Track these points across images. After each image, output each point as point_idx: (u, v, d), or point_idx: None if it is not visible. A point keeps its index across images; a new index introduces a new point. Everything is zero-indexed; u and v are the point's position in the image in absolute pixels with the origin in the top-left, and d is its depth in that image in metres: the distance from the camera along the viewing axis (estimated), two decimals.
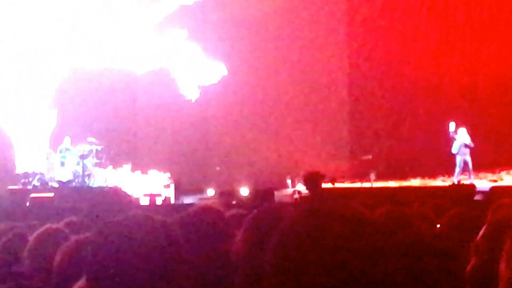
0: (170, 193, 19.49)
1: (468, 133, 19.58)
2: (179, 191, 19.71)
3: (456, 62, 22.85)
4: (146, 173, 20.49)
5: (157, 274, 1.94)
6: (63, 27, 21.79)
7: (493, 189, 12.58)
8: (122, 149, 21.76)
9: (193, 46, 22.33)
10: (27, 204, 16.43)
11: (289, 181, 20.28)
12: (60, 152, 20.13)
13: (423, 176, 21.14)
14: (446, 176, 20.74)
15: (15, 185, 19.69)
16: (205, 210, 3.14)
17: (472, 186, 13.65)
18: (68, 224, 4.46)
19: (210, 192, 20.27)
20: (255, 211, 2.83)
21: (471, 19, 23.08)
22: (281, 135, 23.36)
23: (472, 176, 19.46)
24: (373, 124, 23.49)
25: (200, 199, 17.95)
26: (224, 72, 22.43)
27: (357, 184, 20.53)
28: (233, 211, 4.57)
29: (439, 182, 20.60)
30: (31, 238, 3.93)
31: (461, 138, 19.52)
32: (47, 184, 19.71)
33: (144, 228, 1.99)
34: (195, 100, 22.62)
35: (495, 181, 20.17)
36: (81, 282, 2.74)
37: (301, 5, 23.74)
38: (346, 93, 23.75)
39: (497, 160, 21.18)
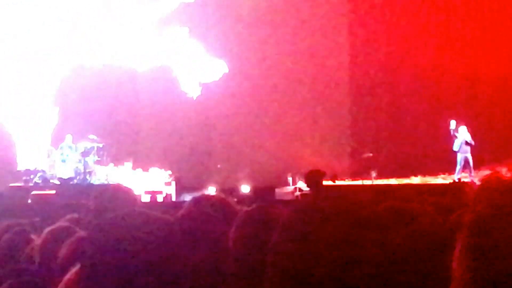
0: (171, 190, 19.51)
1: (469, 131, 19.59)
2: (180, 189, 19.73)
3: (457, 60, 22.83)
4: (147, 171, 20.51)
5: (151, 269, 1.94)
6: (64, 25, 21.80)
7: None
8: (123, 146, 21.76)
9: (194, 44, 22.34)
10: (29, 201, 16.45)
11: (290, 179, 20.29)
12: (62, 149, 20.15)
13: (424, 174, 21.14)
14: (447, 174, 20.74)
15: (17, 182, 19.72)
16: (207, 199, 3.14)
17: (472, 184, 13.67)
18: (69, 221, 4.48)
19: (211, 189, 20.27)
20: (244, 209, 2.83)
21: (472, 16, 23.06)
22: (282, 132, 23.35)
23: (473, 174, 19.46)
24: (374, 122, 23.49)
25: None
26: (225, 69, 22.44)
27: (358, 182, 20.53)
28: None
29: (440, 180, 20.60)
30: (42, 235, 3.95)
31: (462, 136, 19.53)
32: (49, 181, 19.73)
33: (140, 224, 2.00)
34: (196, 98, 22.63)
35: None
36: (75, 268, 2.77)
37: (302, 2, 23.73)
38: (347, 91, 23.73)
39: (498, 158, 21.17)
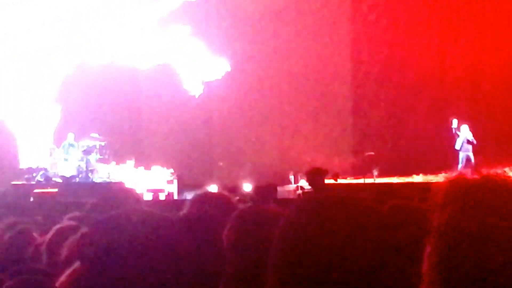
0: (173, 188, 19.52)
1: (470, 130, 19.58)
2: (182, 187, 19.75)
3: (459, 59, 22.83)
4: (149, 169, 20.53)
5: (151, 268, 1.95)
6: (67, 23, 21.81)
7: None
8: (126, 144, 21.79)
9: (196, 42, 22.34)
10: (31, 199, 16.48)
11: (292, 177, 20.28)
12: (64, 147, 20.17)
13: (425, 173, 21.13)
14: (449, 172, 20.68)
15: (19, 180, 19.75)
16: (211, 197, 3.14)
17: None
18: (72, 219, 4.48)
19: (213, 187, 20.27)
20: (238, 210, 2.82)
21: (474, 15, 23.05)
22: (284, 131, 23.36)
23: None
24: (376, 120, 23.49)
25: None
26: (227, 67, 22.43)
27: (360, 180, 20.53)
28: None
29: (442, 178, 20.54)
30: (49, 234, 3.96)
31: (464, 135, 19.53)
32: (51, 179, 19.75)
33: (140, 222, 2.01)
34: (199, 96, 22.63)
35: None
36: (76, 265, 2.78)
37: (305, 0, 23.73)
38: (349, 89, 23.73)
39: (500, 157, 21.15)
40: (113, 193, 3.96)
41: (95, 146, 20.11)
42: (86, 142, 20.11)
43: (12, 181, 19.50)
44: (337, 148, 22.85)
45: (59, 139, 20.96)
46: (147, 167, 20.59)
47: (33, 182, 19.37)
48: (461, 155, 19.60)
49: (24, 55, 21.53)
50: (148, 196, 17.89)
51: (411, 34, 23.00)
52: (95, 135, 20.26)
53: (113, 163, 20.36)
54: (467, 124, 19.62)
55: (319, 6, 23.65)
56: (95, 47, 21.79)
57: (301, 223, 1.80)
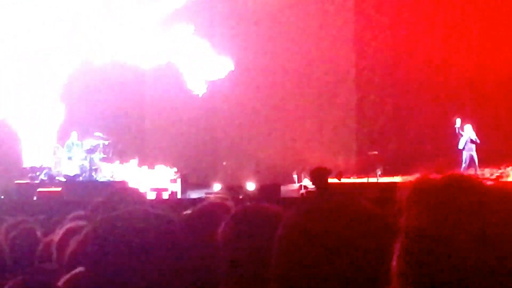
0: (177, 187, 19.53)
1: (474, 129, 19.57)
2: (185, 186, 19.76)
3: (462, 58, 22.80)
4: (153, 168, 20.54)
5: (151, 265, 1.96)
6: (71, 21, 21.84)
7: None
8: (129, 143, 21.80)
9: (200, 41, 22.35)
10: (34, 198, 16.50)
11: (295, 176, 20.29)
12: (67, 146, 20.20)
13: (429, 172, 21.07)
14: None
15: (23, 179, 19.77)
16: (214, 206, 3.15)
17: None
18: (76, 219, 4.49)
19: (217, 187, 20.30)
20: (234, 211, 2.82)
21: (478, 14, 23.02)
22: (287, 130, 23.35)
23: (478, 172, 19.44)
24: (379, 120, 23.48)
25: (207, 193, 18.00)
26: (231, 67, 22.43)
27: (364, 180, 20.52)
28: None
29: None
30: (59, 233, 3.97)
31: (467, 134, 19.51)
32: (54, 178, 19.78)
33: (141, 221, 2.01)
34: (202, 95, 22.63)
35: (501, 177, 20.14)
36: (79, 269, 2.79)
37: (309, 0, 23.72)
38: (352, 89, 23.72)
39: (503, 156, 21.14)
40: (117, 192, 3.96)
41: (98, 145, 20.12)
42: (90, 141, 20.12)
43: (16, 180, 19.53)
44: (341, 148, 22.85)
45: (62, 138, 20.98)
46: (151, 166, 20.60)
47: (37, 181, 19.39)
48: (465, 155, 19.58)
49: (26, 54, 21.56)
50: (151, 195, 17.90)
51: (415, 35, 22.97)
52: (99, 134, 20.28)
53: (117, 162, 20.37)
54: (471, 124, 19.60)
55: (324, 6, 23.64)
56: (98, 46, 21.81)
57: (302, 225, 1.81)
